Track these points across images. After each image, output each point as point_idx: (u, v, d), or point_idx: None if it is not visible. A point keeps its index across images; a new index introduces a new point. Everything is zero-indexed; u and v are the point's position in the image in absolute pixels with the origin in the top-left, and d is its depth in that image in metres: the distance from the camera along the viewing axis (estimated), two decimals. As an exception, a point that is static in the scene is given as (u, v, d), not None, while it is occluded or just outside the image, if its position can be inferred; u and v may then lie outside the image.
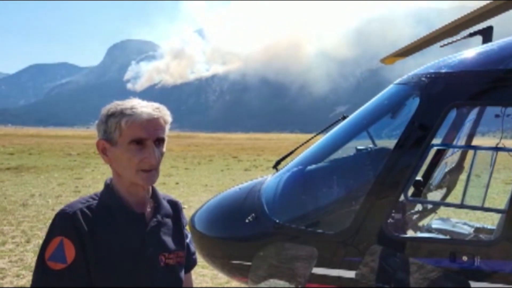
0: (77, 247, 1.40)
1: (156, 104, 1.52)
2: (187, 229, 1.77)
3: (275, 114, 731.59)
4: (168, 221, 1.65)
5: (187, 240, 1.74)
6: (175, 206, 1.73)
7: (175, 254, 1.61)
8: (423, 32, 3.62)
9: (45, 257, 1.40)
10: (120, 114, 1.45)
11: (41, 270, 1.40)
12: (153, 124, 1.46)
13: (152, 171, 1.48)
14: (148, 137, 1.45)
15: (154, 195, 1.63)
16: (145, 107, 1.47)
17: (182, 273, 1.66)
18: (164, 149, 1.53)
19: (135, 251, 1.49)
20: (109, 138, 1.48)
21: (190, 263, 1.78)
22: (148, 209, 1.59)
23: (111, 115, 1.47)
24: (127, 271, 1.46)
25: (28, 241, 7.38)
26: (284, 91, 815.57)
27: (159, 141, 1.49)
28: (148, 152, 1.45)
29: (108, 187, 1.57)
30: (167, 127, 1.53)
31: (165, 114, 1.52)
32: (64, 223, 1.43)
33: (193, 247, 1.80)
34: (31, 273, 5.86)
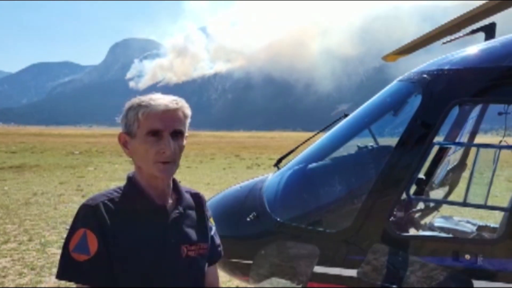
0: (99, 239, 1.43)
1: (174, 97, 1.53)
2: (211, 222, 1.77)
3: (277, 113, 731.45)
4: (191, 213, 1.66)
5: (212, 233, 1.75)
6: (198, 199, 1.73)
7: (197, 246, 1.61)
8: (428, 29, 3.59)
9: (69, 248, 1.43)
10: (138, 106, 1.48)
11: (66, 261, 1.44)
12: (170, 115, 1.47)
13: (169, 163, 1.49)
14: (164, 128, 1.46)
15: (176, 187, 1.64)
16: (162, 99, 1.48)
17: (205, 265, 1.67)
18: (184, 143, 1.54)
19: (156, 242, 1.51)
20: (129, 131, 1.50)
21: (215, 255, 1.77)
22: (170, 201, 1.59)
23: (130, 108, 1.50)
24: (149, 262, 1.48)
25: (30, 240, 7.37)
26: (288, 89, 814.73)
27: (177, 134, 1.49)
28: (164, 144, 1.46)
29: (130, 180, 1.58)
30: (187, 121, 1.55)
31: (183, 106, 1.52)
32: (87, 215, 1.46)
33: (218, 239, 1.79)
34: (33, 272, 5.89)
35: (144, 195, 1.54)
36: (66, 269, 1.44)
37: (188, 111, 1.54)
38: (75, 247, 1.43)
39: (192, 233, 1.62)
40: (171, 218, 1.56)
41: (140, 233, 1.49)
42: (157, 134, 1.46)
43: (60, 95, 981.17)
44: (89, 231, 1.43)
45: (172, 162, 1.49)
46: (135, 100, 1.51)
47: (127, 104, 1.52)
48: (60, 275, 1.45)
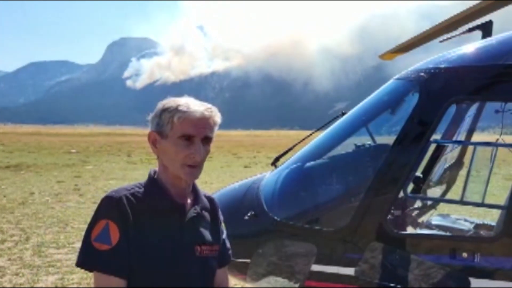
0: (121, 230, 1.48)
1: (208, 105, 1.60)
2: (223, 226, 1.82)
3: (275, 111, 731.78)
4: (206, 214, 1.72)
5: (223, 236, 1.80)
6: (212, 202, 1.79)
7: (210, 247, 1.67)
8: (427, 27, 3.60)
9: (91, 237, 1.48)
10: (175, 109, 1.53)
11: (87, 249, 1.49)
12: (203, 123, 1.54)
13: (196, 167, 1.55)
14: (196, 134, 1.53)
15: (194, 189, 1.71)
16: (198, 106, 1.55)
17: (216, 266, 1.72)
18: (210, 148, 1.61)
19: (173, 239, 1.56)
20: (161, 131, 1.56)
21: (226, 258, 1.83)
22: (188, 201, 1.65)
23: (165, 110, 1.55)
24: (165, 257, 1.53)
25: (27, 239, 7.35)
26: (286, 88, 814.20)
27: (206, 140, 1.57)
28: (194, 149, 1.52)
29: (152, 177, 1.64)
30: (216, 128, 1.61)
31: (215, 115, 1.59)
32: (110, 207, 1.51)
33: (228, 243, 1.85)
34: (30, 272, 5.88)
35: (165, 193, 1.60)
36: (87, 257, 1.49)
37: (219, 119, 1.61)
38: (97, 237, 1.48)
39: (206, 233, 1.67)
40: (188, 217, 1.62)
41: (159, 229, 1.54)
42: (189, 138, 1.52)
43: (57, 94, 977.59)
44: (112, 222, 1.48)
45: (198, 166, 1.56)
46: (171, 102, 1.56)
47: (161, 105, 1.58)
48: (80, 263, 1.50)
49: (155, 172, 1.66)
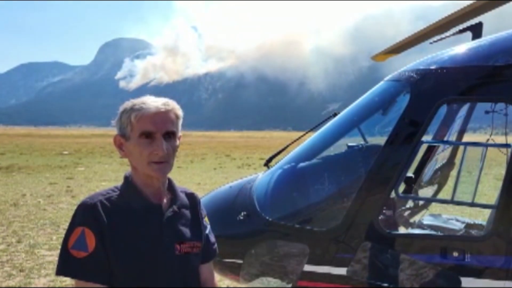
0: (97, 236, 1.49)
1: (165, 99, 1.59)
2: (206, 221, 1.82)
3: (268, 112, 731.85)
4: (185, 212, 1.72)
5: (207, 231, 1.80)
6: (193, 198, 1.79)
7: (190, 244, 1.67)
8: (422, 28, 3.63)
9: (68, 245, 1.49)
10: (131, 109, 1.54)
11: (65, 257, 1.50)
12: (161, 117, 1.53)
13: (163, 163, 1.55)
14: (156, 130, 1.52)
15: (171, 187, 1.70)
16: (154, 102, 1.54)
17: (198, 262, 1.72)
18: (177, 143, 1.60)
19: (152, 240, 1.56)
20: (123, 133, 1.57)
21: (211, 253, 1.83)
22: (165, 201, 1.65)
23: (123, 111, 1.56)
24: (144, 259, 1.54)
25: (19, 241, 7.31)
26: (280, 88, 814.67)
27: (169, 135, 1.56)
28: (156, 145, 1.52)
29: (127, 179, 1.64)
30: (180, 121, 1.61)
31: (174, 108, 1.59)
32: (85, 214, 1.52)
33: (213, 238, 1.85)
34: (22, 273, 5.83)
35: (140, 194, 1.60)
36: (65, 265, 1.50)
37: (180, 112, 1.61)
38: (73, 244, 1.48)
39: (186, 231, 1.67)
40: (166, 216, 1.62)
41: (136, 231, 1.55)
42: (150, 135, 1.52)
43: (49, 95, 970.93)
44: (87, 229, 1.49)
45: (165, 162, 1.55)
46: (128, 103, 1.57)
47: (121, 108, 1.58)
48: (59, 271, 1.51)
49: (130, 174, 1.66)
